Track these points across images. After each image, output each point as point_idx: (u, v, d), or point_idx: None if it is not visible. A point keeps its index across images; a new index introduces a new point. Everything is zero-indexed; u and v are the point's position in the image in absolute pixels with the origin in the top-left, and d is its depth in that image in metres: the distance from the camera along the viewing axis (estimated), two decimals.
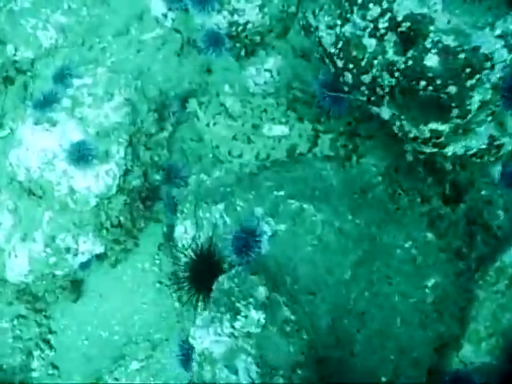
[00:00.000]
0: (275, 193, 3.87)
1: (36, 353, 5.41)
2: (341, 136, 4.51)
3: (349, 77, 4.00)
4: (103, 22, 5.34)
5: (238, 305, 3.08)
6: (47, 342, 5.43)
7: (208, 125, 4.59)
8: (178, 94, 4.98)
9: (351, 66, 3.93)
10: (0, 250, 4.76)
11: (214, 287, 3.47)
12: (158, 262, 5.16)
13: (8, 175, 4.73)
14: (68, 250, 4.60)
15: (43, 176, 4.51)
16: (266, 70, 4.85)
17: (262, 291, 3.16)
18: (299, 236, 3.54)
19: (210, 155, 4.92)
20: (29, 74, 5.15)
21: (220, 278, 3.45)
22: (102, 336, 5.37)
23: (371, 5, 3.82)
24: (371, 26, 3.84)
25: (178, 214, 4.36)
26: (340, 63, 4.03)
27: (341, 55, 4.00)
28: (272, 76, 4.85)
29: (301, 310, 3.28)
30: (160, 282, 5.18)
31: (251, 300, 3.10)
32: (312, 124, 4.57)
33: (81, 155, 4.40)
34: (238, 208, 3.84)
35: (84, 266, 4.78)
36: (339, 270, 3.50)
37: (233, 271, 3.46)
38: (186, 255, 4.12)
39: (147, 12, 5.28)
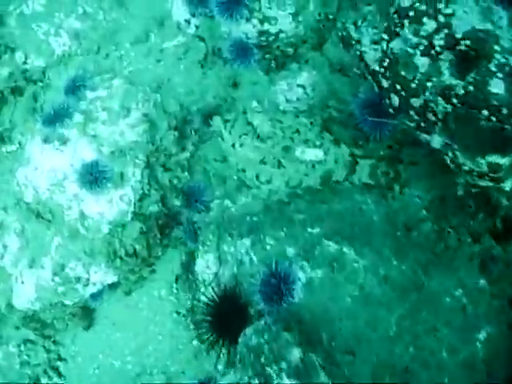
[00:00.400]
0: (309, 230, 3.43)
1: (44, 380, 5.05)
2: (381, 162, 4.05)
3: (395, 99, 3.51)
4: (121, 28, 4.93)
5: (268, 370, 2.66)
6: (56, 369, 5.05)
7: (233, 146, 4.15)
8: (200, 110, 4.55)
9: (399, 87, 3.45)
10: (7, 274, 4.39)
11: (240, 340, 3.05)
12: (175, 290, 4.75)
13: (15, 195, 4.34)
14: (78, 279, 4.21)
15: (52, 198, 4.12)
16: (298, 86, 4.39)
17: (296, 353, 2.73)
18: (338, 285, 3.11)
19: (235, 178, 4.49)
20: (39, 84, 4.75)
21: (247, 331, 3.02)
22: (114, 365, 4.99)
23: (425, 19, 3.34)
24: (425, 42, 3.35)
25: (200, 246, 3.94)
26: (385, 83, 3.55)
27: (387, 74, 3.52)
28: (305, 92, 4.39)
29: (339, 373, 2.85)
30: (178, 313, 4.78)
31: (283, 365, 2.67)
32: (349, 148, 4.11)
33: (93, 178, 4.00)
34: (267, 246, 3.41)
35: (95, 296, 4.39)
36: (383, 325, 3.06)
37: (261, 323, 3.04)
38: (207, 296, 3.70)
39: (169, 18, 4.84)
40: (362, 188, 3.92)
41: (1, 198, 4.46)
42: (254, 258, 3.47)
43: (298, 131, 4.13)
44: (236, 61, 4.47)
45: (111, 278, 4.29)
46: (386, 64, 3.51)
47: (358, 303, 3.03)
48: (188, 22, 4.73)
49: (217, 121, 4.22)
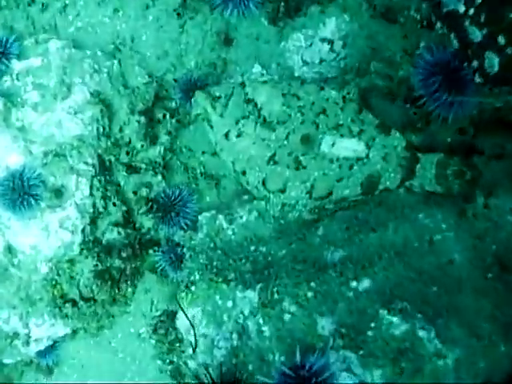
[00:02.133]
0: (353, 284, 2.09)
1: None
2: (452, 158, 2.65)
3: (494, 62, 2.10)
4: None
5: None
6: None
7: (227, 136, 2.76)
8: (178, 81, 3.13)
9: (504, 40, 2.02)
10: None
11: None
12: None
13: None
14: (16, 335, 2.94)
15: None
16: (322, 40, 2.95)
17: None
18: None
19: (232, 179, 3.12)
20: None
21: None
22: None
23: None
24: None
25: (183, 294, 2.62)
26: (476, 34, 2.13)
27: (481, 18, 2.08)
28: (333, 50, 2.96)
29: None
30: (162, 360, 3.51)
31: None
32: (404, 135, 2.71)
33: (18, 194, 2.65)
34: (286, 316, 2.08)
35: (45, 353, 3.14)
36: None
37: None
38: (194, 371, 2.42)
39: None
40: (427, 200, 2.54)
41: None
42: (266, 330, 2.16)
43: (324, 111, 2.72)
44: (228, 4, 3.02)
45: (62, 331, 3.02)
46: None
47: None
48: None
49: (201, 98, 2.80)
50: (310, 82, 2.96)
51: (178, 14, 3.23)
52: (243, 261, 2.56)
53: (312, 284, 2.11)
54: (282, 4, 3.01)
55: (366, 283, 2.09)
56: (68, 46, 3.07)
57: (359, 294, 2.05)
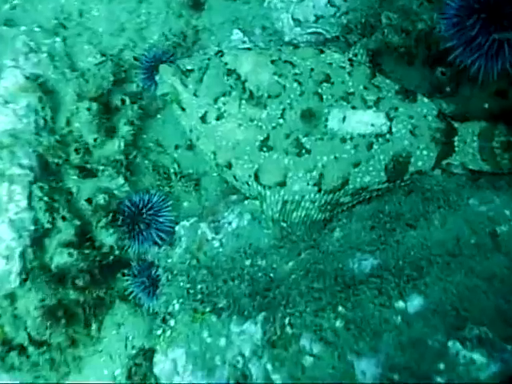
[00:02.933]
0: (399, 305, 1.44)
1: None
2: (496, 126, 2.04)
3: None
4: None
5: None
6: None
7: (204, 119, 2.12)
8: (140, 59, 2.48)
9: None
10: None
11: None
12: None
13: None
14: None
15: None
16: None
17: None
18: None
19: (214, 176, 2.48)
20: None
21: None
22: None
23: None
24: None
25: (159, 332, 1.96)
26: None
27: None
28: (331, 2, 2.34)
29: None
30: None
31: None
32: (433, 101, 2.09)
33: None
34: (308, 360, 1.43)
35: None
36: None
37: None
38: None
39: None
40: (475, 182, 1.92)
41: None
42: (277, 378, 1.50)
43: (327, 79, 2.09)
44: None
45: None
46: None
47: None
48: None
49: (167, 73, 2.16)
50: (305, 45, 2.35)
51: None
52: (237, 281, 1.91)
53: (340, 309, 1.47)
54: None
55: (416, 301, 1.45)
56: None
57: (410, 317, 1.41)
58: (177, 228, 2.40)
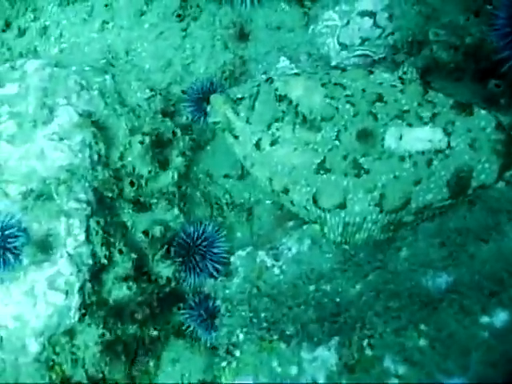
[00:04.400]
0: (484, 320, 1.37)
1: None
2: None
3: None
4: None
5: None
6: None
7: (258, 145, 2.12)
8: (188, 92, 2.52)
9: None
10: None
11: None
12: None
13: None
14: None
15: None
16: (361, 14, 2.35)
17: None
18: None
19: (267, 205, 2.45)
20: None
21: None
22: None
23: None
24: None
25: (223, 364, 1.89)
26: None
27: None
28: (376, 24, 2.35)
29: None
30: None
31: None
32: (490, 114, 2.05)
33: None
34: (393, 382, 1.35)
35: None
36: None
37: None
38: None
39: None
40: None
41: None
42: None
43: (380, 98, 2.07)
44: None
45: None
46: None
47: None
48: None
49: (219, 102, 2.17)
50: (352, 68, 2.34)
51: (179, 16, 2.66)
52: (302, 307, 1.85)
53: (422, 327, 1.39)
54: None
55: (502, 315, 1.37)
56: (49, 65, 2.50)
57: (499, 332, 1.34)
58: (232, 258, 2.36)
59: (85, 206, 2.12)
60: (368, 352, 1.45)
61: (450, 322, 1.41)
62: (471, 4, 2.22)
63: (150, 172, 2.25)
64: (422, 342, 1.38)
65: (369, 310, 1.58)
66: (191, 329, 2.41)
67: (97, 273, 2.12)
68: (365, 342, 1.47)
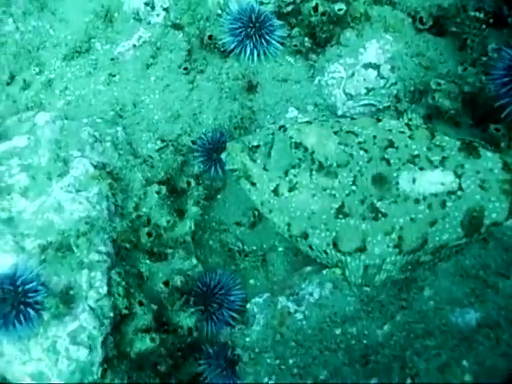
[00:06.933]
0: None
1: None
2: None
3: None
4: (45, 39, 3.00)
5: None
6: None
7: (277, 192, 2.17)
8: (197, 143, 2.57)
9: None
10: None
11: None
12: None
13: None
14: None
15: None
16: (366, 66, 2.48)
17: None
18: None
19: (280, 251, 2.48)
20: None
21: None
22: None
23: None
24: None
25: None
26: None
27: None
28: (380, 75, 2.48)
29: None
30: None
31: None
32: (499, 156, 2.16)
33: (11, 305, 1.95)
34: None
35: None
36: None
37: None
38: None
39: (119, 7, 2.94)
40: None
41: None
42: None
43: (391, 144, 2.17)
44: (245, 46, 2.57)
45: None
46: None
47: None
48: (150, 4, 2.83)
49: (236, 150, 2.23)
50: (358, 116, 2.45)
51: (185, 69, 2.75)
52: (332, 351, 1.86)
53: (464, 363, 1.43)
54: (308, 37, 2.56)
55: None
56: (59, 118, 2.53)
57: None
58: (248, 306, 2.36)
59: (105, 257, 2.11)
60: None
61: (489, 356, 1.45)
62: (467, 56, 2.37)
63: (168, 222, 2.27)
64: (468, 378, 1.42)
65: (405, 350, 1.61)
66: (209, 380, 2.38)
67: (118, 325, 2.09)
68: (408, 381, 1.49)
